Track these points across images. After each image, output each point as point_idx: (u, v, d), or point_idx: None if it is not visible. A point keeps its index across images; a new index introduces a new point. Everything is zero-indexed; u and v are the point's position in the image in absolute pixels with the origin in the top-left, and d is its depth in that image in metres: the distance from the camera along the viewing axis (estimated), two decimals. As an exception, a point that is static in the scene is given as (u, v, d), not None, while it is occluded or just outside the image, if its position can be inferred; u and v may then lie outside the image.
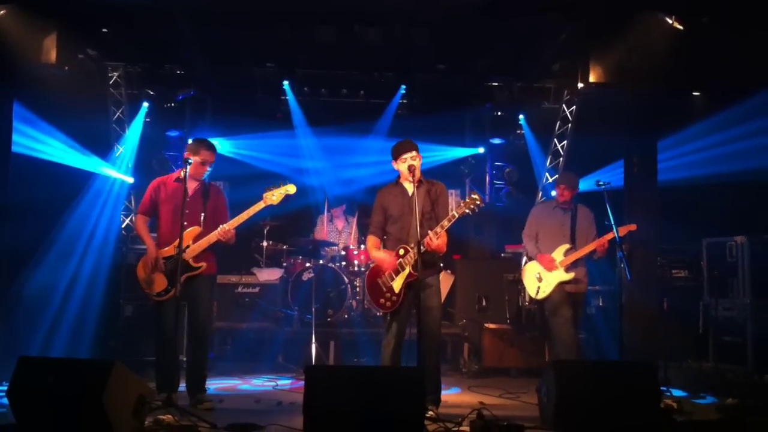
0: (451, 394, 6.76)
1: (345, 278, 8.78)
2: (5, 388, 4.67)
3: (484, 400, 6.31)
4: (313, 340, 7.70)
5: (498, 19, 8.32)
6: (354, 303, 8.91)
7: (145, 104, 9.98)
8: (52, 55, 8.15)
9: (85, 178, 9.30)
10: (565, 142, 10.53)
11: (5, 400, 4.66)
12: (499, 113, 10.87)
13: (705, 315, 8.30)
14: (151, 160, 10.09)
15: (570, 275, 6.77)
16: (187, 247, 5.81)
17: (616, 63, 8.75)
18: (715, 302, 8.16)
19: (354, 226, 10.01)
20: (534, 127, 10.84)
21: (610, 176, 8.88)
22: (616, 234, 6.37)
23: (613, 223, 6.35)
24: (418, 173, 5.73)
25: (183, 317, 6.04)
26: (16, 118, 7.84)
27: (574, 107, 10.35)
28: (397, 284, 5.66)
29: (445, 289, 9.13)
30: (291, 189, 5.99)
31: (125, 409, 4.55)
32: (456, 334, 8.68)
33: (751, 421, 5.43)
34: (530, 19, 8.35)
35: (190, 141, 9.88)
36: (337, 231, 9.91)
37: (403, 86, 10.26)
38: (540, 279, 6.90)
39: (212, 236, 5.83)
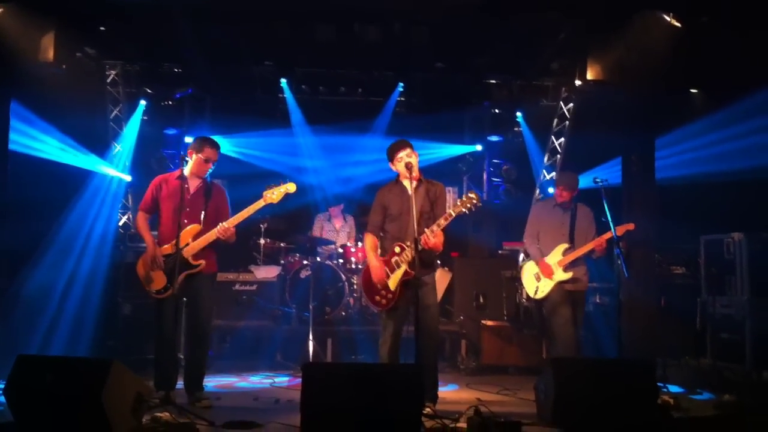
0: (448, 391, 6.76)
1: (342, 276, 8.79)
2: (3, 386, 4.67)
3: (482, 397, 6.32)
4: (311, 338, 7.71)
5: (497, 18, 8.33)
6: (351, 301, 8.91)
7: (143, 102, 9.98)
8: (50, 54, 8.14)
9: (82, 176, 9.30)
10: (563, 139, 10.54)
11: (3, 399, 4.67)
12: (497, 111, 10.89)
13: (703, 312, 8.30)
14: (149, 159, 10.08)
15: (568, 275, 6.75)
16: (187, 244, 5.81)
17: (615, 61, 8.75)
18: (712, 299, 8.15)
19: (352, 225, 10.02)
20: (532, 124, 10.85)
21: (608, 174, 8.88)
22: (613, 233, 6.37)
23: (610, 222, 6.35)
24: (416, 170, 5.73)
25: (182, 315, 6.04)
26: (13, 117, 7.85)
27: (572, 105, 10.35)
28: (393, 282, 5.67)
29: (442, 287, 9.15)
30: (291, 188, 5.99)
31: (124, 408, 4.55)
32: (454, 331, 8.69)
33: (748, 418, 5.44)
34: (529, 17, 8.35)
35: (191, 139, 9.93)
36: (334, 229, 9.92)
37: (401, 84, 10.26)
38: (538, 278, 6.89)
39: (211, 234, 5.83)
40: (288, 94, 10.27)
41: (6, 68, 7.73)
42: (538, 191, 10.81)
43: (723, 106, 8.82)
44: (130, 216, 9.88)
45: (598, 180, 6.47)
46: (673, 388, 6.75)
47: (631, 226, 6.70)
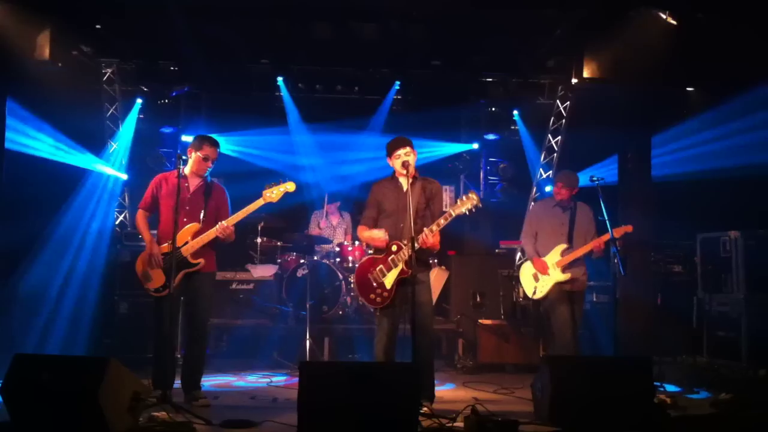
0: (445, 390, 6.77)
1: (339, 275, 8.78)
2: (0, 385, 4.65)
3: (479, 396, 6.33)
4: (308, 337, 7.71)
5: (493, 15, 8.33)
6: (348, 299, 8.90)
7: (139, 101, 9.95)
8: (46, 52, 8.12)
9: (79, 174, 9.27)
10: (560, 137, 10.54)
11: (0, 398, 4.66)
12: (494, 109, 10.89)
13: (699, 310, 8.33)
14: (145, 157, 10.06)
15: (566, 276, 6.71)
16: (186, 243, 5.81)
17: (611, 59, 8.75)
18: (709, 297, 8.18)
19: (349, 222, 10.01)
20: (528, 122, 10.85)
21: (605, 172, 8.89)
22: (611, 236, 6.36)
23: (608, 224, 6.34)
24: (412, 169, 5.70)
25: (179, 314, 6.04)
26: (9, 115, 7.82)
27: (568, 103, 10.35)
28: (389, 280, 5.66)
29: (439, 285, 9.15)
30: (291, 187, 5.99)
31: (120, 406, 4.55)
32: (451, 329, 8.69)
33: (745, 416, 5.45)
34: (525, 14, 8.35)
35: (187, 137, 9.92)
36: (331, 227, 9.92)
37: (398, 82, 10.25)
38: (537, 278, 6.87)
39: (211, 233, 5.83)
40: (284, 92, 10.25)
41: (1, 66, 7.70)
42: (534, 189, 10.81)
43: (719, 104, 8.83)
44: (127, 214, 9.86)
45: (594, 178, 6.46)
46: (670, 387, 6.75)
47: (629, 228, 6.68)
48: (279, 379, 7.19)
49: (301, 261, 8.97)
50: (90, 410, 4.35)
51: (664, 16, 8.01)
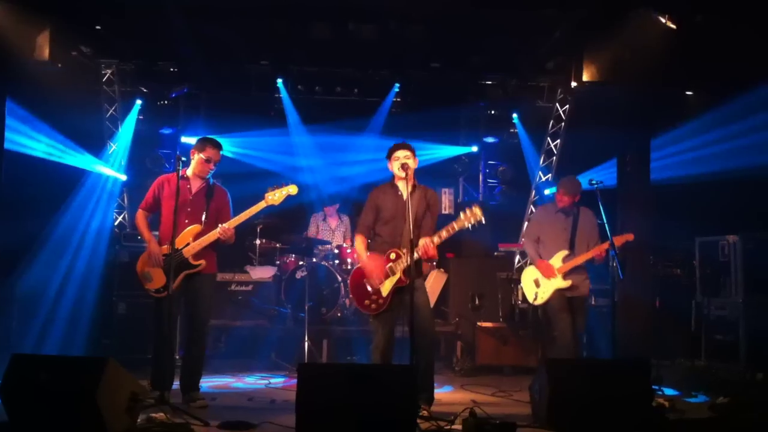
0: (443, 393, 6.76)
1: (338, 276, 8.78)
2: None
3: (477, 398, 6.32)
4: (306, 338, 7.70)
5: (492, 16, 8.33)
6: (347, 301, 8.89)
7: (139, 101, 9.95)
8: (45, 52, 8.13)
9: (78, 175, 9.26)
10: (559, 140, 10.55)
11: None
12: (493, 112, 10.90)
13: (697, 313, 8.33)
14: (144, 158, 10.06)
15: (567, 282, 6.70)
16: (187, 244, 5.82)
17: (610, 61, 8.76)
18: (707, 301, 8.18)
19: (347, 224, 10.01)
20: (527, 125, 10.85)
21: (604, 174, 8.89)
22: (611, 244, 6.35)
23: (608, 228, 6.33)
24: (411, 173, 5.65)
25: (179, 315, 6.04)
26: (8, 115, 7.81)
27: (567, 106, 10.36)
28: (386, 288, 5.62)
29: (438, 288, 9.16)
30: (293, 190, 6.00)
31: (118, 407, 4.55)
32: (449, 332, 8.69)
33: (743, 419, 5.45)
34: (525, 15, 8.36)
35: (186, 138, 9.93)
36: (330, 229, 9.91)
37: (397, 84, 10.26)
38: (538, 284, 6.87)
39: (212, 234, 5.84)
40: (284, 93, 10.25)
41: (1, 66, 7.69)
42: (534, 192, 10.82)
43: (718, 106, 8.83)
44: (126, 215, 9.86)
45: (593, 182, 6.45)
46: (668, 390, 6.75)
47: (629, 237, 6.68)
48: (277, 381, 7.19)
49: (300, 263, 8.97)
50: (88, 410, 4.35)
51: (663, 18, 8.01)
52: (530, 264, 7.16)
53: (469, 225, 5.50)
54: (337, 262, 9.09)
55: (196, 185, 6.03)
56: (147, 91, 9.99)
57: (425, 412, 5.28)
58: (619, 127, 8.82)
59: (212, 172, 6.08)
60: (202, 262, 5.86)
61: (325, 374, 4.78)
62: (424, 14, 8.46)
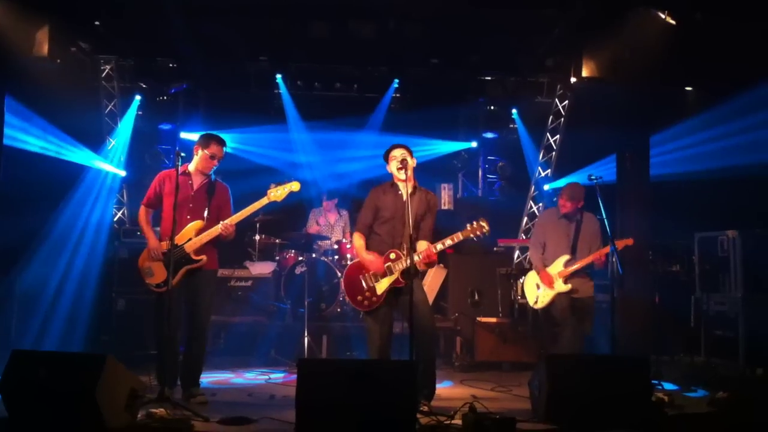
0: (443, 388, 6.75)
1: (337, 272, 8.78)
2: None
3: (476, 394, 6.34)
4: (306, 334, 7.70)
5: (492, 14, 8.33)
6: (346, 297, 8.89)
7: (138, 97, 9.96)
8: (44, 48, 8.13)
9: (77, 171, 9.27)
10: (558, 136, 10.55)
11: (-3, 394, 4.66)
12: (492, 108, 10.91)
13: (697, 309, 8.34)
14: (143, 154, 10.07)
15: (567, 287, 6.72)
16: (189, 240, 5.81)
17: (609, 58, 8.77)
18: (706, 296, 8.19)
19: (346, 219, 10.00)
20: (527, 121, 10.86)
21: (603, 171, 8.85)
22: (611, 241, 6.35)
23: (607, 223, 6.32)
24: (410, 172, 5.62)
25: (181, 310, 6.04)
26: (7, 112, 7.80)
27: (566, 102, 10.36)
28: (382, 287, 5.62)
29: (437, 284, 9.16)
30: (296, 187, 5.97)
31: (118, 403, 4.55)
32: (448, 328, 8.68)
33: (742, 414, 5.46)
34: (524, 14, 8.36)
35: (186, 134, 9.92)
36: (329, 225, 9.91)
37: (396, 80, 10.25)
38: (539, 288, 6.91)
39: (214, 230, 5.82)
40: (283, 90, 10.25)
41: (0, 63, 7.69)
42: (533, 188, 10.82)
43: (717, 103, 8.84)
44: (125, 211, 9.85)
45: (593, 177, 6.45)
46: (667, 385, 6.75)
47: (630, 242, 6.68)
48: (277, 376, 7.19)
49: (300, 258, 8.97)
50: (87, 407, 4.35)
51: (662, 16, 8.01)
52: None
53: (474, 237, 5.55)
54: (336, 257, 9.08)
55: (198, 181, 6.02)
56: (146, 87, 10.00)
57: (425, 408, 5.29)
58: (618, 124, 8.82)
59: (215, 168, 6.08)
60: (203, 257, 5.86)
61: (324, 370, 4.78)
62: (423, 13, 8.47)
